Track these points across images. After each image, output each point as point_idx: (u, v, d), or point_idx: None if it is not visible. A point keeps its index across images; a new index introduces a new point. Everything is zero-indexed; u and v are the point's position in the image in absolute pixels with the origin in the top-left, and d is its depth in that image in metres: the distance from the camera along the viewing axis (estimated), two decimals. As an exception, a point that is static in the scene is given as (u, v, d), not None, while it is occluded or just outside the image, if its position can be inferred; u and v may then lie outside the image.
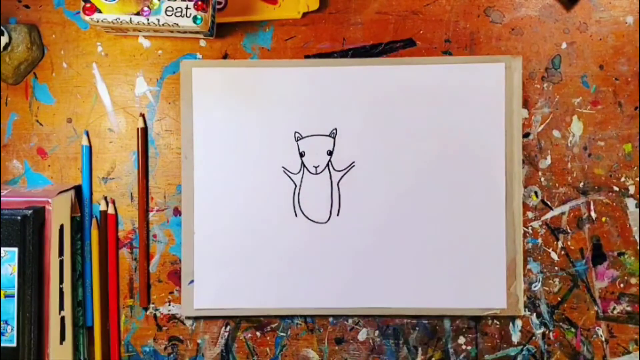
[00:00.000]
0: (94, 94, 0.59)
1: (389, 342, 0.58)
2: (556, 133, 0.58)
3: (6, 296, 0.51)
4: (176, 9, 0.53)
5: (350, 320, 0.59)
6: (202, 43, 0.58)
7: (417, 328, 0.58)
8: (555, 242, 0.58)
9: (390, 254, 0.57)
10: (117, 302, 0.58)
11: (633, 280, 0.58)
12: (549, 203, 0.58)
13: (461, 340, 0.58)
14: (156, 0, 0.53)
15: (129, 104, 0.59)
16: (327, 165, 0.57)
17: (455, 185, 0.57)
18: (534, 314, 0.58)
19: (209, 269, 0.57)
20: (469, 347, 0.58)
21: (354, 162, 0.57)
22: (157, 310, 0.59)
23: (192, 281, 0.58)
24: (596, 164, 0.58)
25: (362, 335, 0.59)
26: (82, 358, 0.58)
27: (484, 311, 0.57)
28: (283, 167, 0.58)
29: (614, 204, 0.58)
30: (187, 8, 0.53)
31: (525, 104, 0.58)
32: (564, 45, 0.58)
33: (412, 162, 0.57)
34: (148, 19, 0.53)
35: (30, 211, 0.52)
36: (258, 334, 0.59)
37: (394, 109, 0.57)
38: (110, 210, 0.58)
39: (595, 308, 0.58)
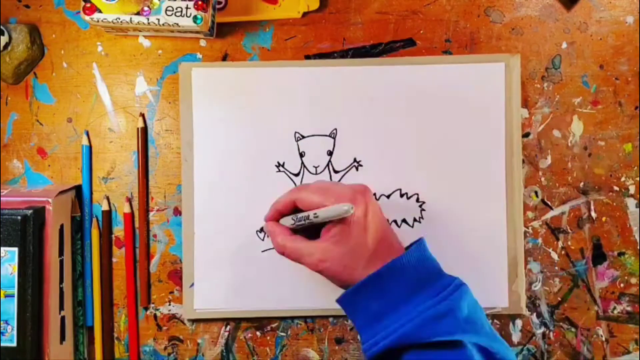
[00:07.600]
0: (94, 94, 0.59)
1: (389, 342, 0.58)
2: (556, 133, 0.58)
3: (6, 296, 0.51)
4: (176, 8, 0.53)
5: (350, 320, 0.58)
6: (202, 43, 0.58)
7: (417, 328, 0.58)
8: (555, 242, 0.58)
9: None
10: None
11: (633, 280, 0.58)
12: (549, 203, 0.58)
13: (461, 340, 0.58)
14: (156, 0, 0.53)
15: (129, 104, 0.59)
16: (327, 165, 0.57)
17: (456, 185, 0.57)
18: (534, 314, 0.58)
19: (209, 269, 0.57)
20: (469, 347, 0.58)
21: (353, 163, 0.57)
22: (157, 310, 0.59)
23: (193, 284, 0.57)
24: (596, 163, 0.58)
25: (362, 335, 0.59)
26: (82, 358, 0.58)
27: (486, 310, 0.57)
28: (283, 167, 0.57)
29: (614, 203, 0.58)
30: (187, 8, 0.53)
31: (526, 103, 0.58)
32: (564, 45, 0.58)
33: (412, 162, 0.57)
34: (148, 19, 0.53)
35: (30, 211, 0.52)
36: (258, 334, 0.59)
37: (394, 109, 0.57)
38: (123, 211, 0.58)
39: (596, 308, 0.58)
